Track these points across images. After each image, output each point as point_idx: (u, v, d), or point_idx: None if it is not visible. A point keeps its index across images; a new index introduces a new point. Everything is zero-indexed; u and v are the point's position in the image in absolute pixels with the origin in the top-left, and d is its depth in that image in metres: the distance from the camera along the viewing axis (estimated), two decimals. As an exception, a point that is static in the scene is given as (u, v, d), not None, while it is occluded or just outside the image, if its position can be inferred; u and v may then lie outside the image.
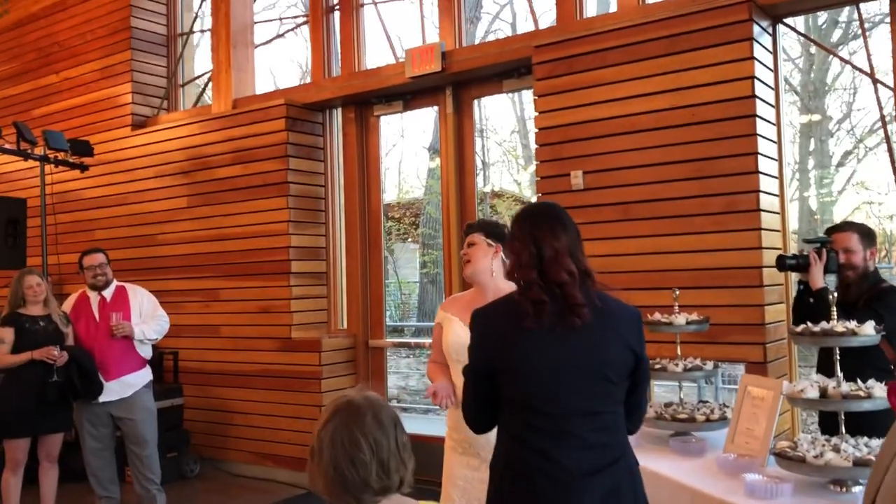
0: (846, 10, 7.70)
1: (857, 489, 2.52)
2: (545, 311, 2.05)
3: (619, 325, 2.13)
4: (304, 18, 7.13)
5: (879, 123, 4.46)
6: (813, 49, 13.40)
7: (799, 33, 5.23)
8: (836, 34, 13.05)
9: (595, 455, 2.06)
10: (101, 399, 4.85)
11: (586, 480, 2.03)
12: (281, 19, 9.41)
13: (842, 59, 6.51)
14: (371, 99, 6.27)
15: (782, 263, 3.44)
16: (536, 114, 5.09)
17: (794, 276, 4.63)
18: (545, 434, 2.05)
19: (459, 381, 2.99)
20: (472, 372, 2.21)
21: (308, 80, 7.06)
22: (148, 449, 5.03)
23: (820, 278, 3.30)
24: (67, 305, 5.02)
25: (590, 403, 2.07)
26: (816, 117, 14.05)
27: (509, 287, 3.10)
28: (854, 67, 5.04)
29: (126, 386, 4.95)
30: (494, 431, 2.86)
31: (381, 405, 1.72)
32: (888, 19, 4.40)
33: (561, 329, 2.05)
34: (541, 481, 2.04)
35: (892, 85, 4.39)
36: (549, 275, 2.09)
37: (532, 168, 14.80)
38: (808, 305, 3.31)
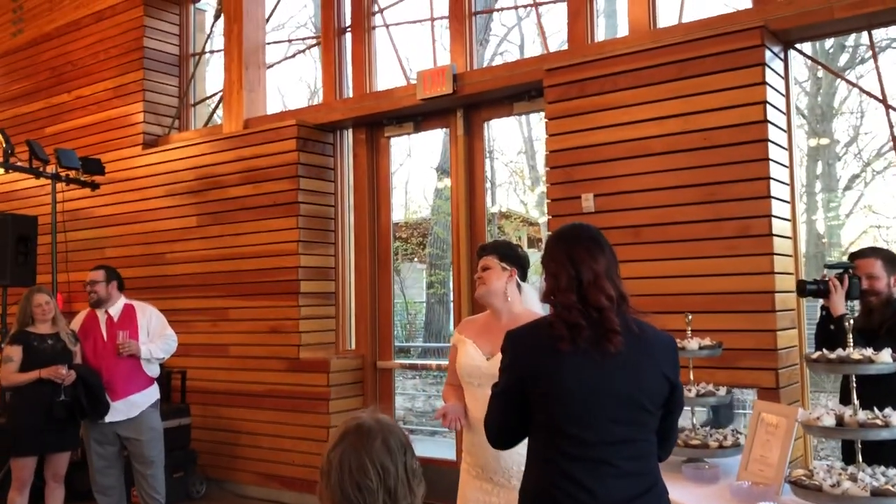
0: (853, 34, 7.73)
1: (874, 519, 2.49)
2: (582, 336, 2.03)
3: (654, 352, 2.10)
4: (315, 40, 7.17)
5: (886, 147, 4.46)
6: (820, 73, 13.43)
7: (808, 57, 5.24)
8: (843, 58, 13.09)
9: (629, 484, 2.03)
10: (108, 419, 4.84)
11: None
12: (290, 41, 9.46)
13: (851, 83, 6.52)
14: (382, 120, 6.30)
15: (803, 289, 3.41)
16: (547, 136, 5.10)
17: (805, 301, 4.61)
18: (579, 461, 2.03)
19: (474, 403, 2.97)
20: (503, 392, 2.18)
21: (317, 100, 7.09)
22: (153, 469, 5.01)
23: (841, 305, 3.27)
24: (76, 324, 5.02)
25: (626, 431, 2.04)
26: (824, 141, 14.06)
27: (525, 311, 3.11)
28: (863, 91, 5.04)
29: (133, 406, 4.94)
30: (510, 457, 2.85)
31: (391, 429, 1.69)
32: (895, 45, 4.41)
33: (597, 355, 2.03)
34: None
35: (903, 110, 4.39)
36: (588, 299, 2.06)
37: (539, 189, 14.82)
38: (830, 332, 3.29)
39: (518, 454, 2.92)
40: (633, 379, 2.04)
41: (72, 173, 6.52)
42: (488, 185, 6.11)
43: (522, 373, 2.11)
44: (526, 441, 2.70)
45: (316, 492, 1.72)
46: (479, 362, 2.96)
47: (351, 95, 6.50)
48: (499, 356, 2.68)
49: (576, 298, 2.07)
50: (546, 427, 2.09)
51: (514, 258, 3.07)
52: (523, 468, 2.88)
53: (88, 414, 4.77)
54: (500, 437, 2.26)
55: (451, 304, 7.12)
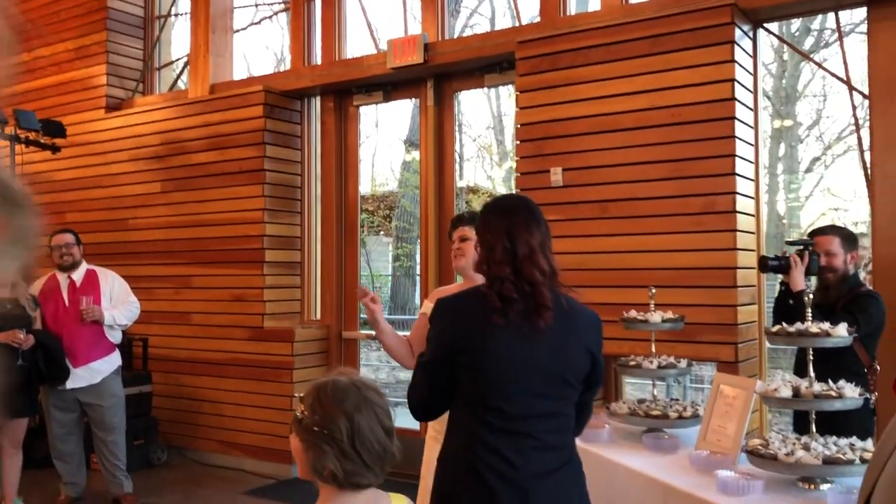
0: (818, 18, 7.82)
1: (826, 486, 2.57)
2: (514, 310, 2.04)
3: (580, 328, 2.13)
4: (283, 5, 7.06)
5: (847, 131, 4.56)
6: (786, 55, 13.58)
7: (778, 38, 5.30)
8: (809, 41, 13.25)
9: (549, 457, 2.07)
10: (69, 385, 4.79)
11: (539, 482, 2.04)
12: (257, 5, 9.30)
13: (817, 63, 6.61)
14: (351, 88, 6.24)
15: (765, 264, 3.49)
16: (518, 109, 5.10)
17: (765, 278, 4.71)
18: (503, 433, 2.05)
19: None
20: (432, 361, 2.16)
21: (283, 68, 7.00)
22: (115, 435, 4.98)
23: (801, 280, 3.35)
24: (35, 288, 4.93)
25: (549, 405, 2.08)
26: (787, 123, 14.27)
27: None
28: (828, 72, 5.11)
29: (94, 372, 4.89)
30: None
31: (367, 390, 1.69)
32: (859, 28, 4.48)
33: (527, 329, 2.05)
34: (494, 480, 2.02)
35: (865, 92, 4.47)
36: (522, 272, 2.07)
37: (507, 165, 14.84)
38: (789, 307, 3.36)
39: None
40: (559, 354, 2.07)
41: (31, 135, 6.36)
42: (457, 157, 6.09)
43: (453, 342, 2.10)
44: None
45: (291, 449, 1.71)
46: None
47: (319, 62, 6.41)
48: None
49: (510, 271, 2.08)
50: (471, 398, 2.09)
51: None
52: None
53: (47, 379, 4.70)
54: (426, 408, 2.26)
55: (418, 278, 7.12)
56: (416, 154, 6.20)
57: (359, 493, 1.67)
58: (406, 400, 2.27)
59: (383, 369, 10.56)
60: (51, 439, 4.92)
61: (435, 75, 5.82)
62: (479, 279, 3.05)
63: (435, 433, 3.06)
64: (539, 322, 2.04)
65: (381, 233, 16.03)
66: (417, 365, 2.23)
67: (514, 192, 5.27)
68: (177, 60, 7.59)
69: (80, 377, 4.82)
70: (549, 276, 2.09)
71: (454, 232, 3.14)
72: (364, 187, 15.02)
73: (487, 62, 5.51)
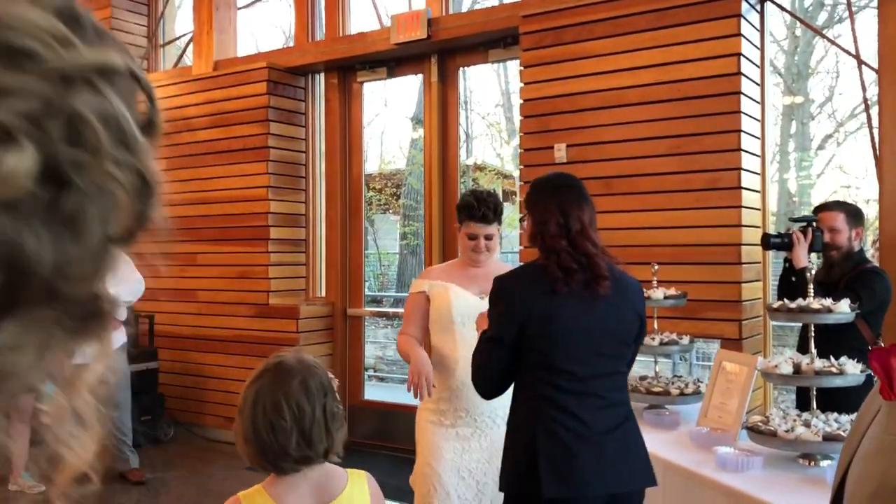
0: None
1: (826, 463, 2.56)
2: (574, 279, 2.21)
3: (629, 294, 2.33)
4: (289, -19, 7.00)
5: (859, 108, 4.48)
6: (798, 31, 13.41)
7: (787, 12, 5.22)
8: (822, 17, 13.08)
9: (614, 413, 2.26)
10: (75, 361, 4.81)
11: (609, 437, 2.22)
12: (265, -18, 9.22)
13: (830, 40, 6.50)
14: (355, 65, 6.19)
15: (767, 242, 3.45)
16: (522, 85, 5.05)
17: (772, 255, 4.67)
18: (572, 395, 2.21)
19: (464, 345, 2.96)
20: (497, 339, 2.26)
21: (290, 44, 6.95)
22: (119, 412, 5.02)
23: (804, 257, 3.31)
24: (40, 265, 4.95)
25: (611, 365, 2.27)
26: (799, 99, 14.12)
27: (499, 264, 3.16)
28: (841, 49, 5.03)
29: (100, 348, 4.91)
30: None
31: (312, 370, 1.65)
32: (872, 3, 4.40)
33: (588, 295, 2.22)
34: (570, 438, 2.18)
35: (876, 68, 4.40)
36: (577, 245, 2.24)
37: (515, 142, 14.75)
38: (792, 284, 3.33)
39: (508, 394, 2.97)
40: (617, 317, 2.27)
41: (35, 112, 6.36)
42: (464, 136, 6.06)
43: (520, 317, 2.23)
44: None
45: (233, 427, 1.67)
46: (474, 302, 2.97)
47: (323, 38, 6.37)
48: None
49: (566, 244, 2.23)
50: (540, 365, 2.24)
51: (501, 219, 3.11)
52: (509, 410, 2.95)
53: (53, 355, 4.73)
54: (494, 384, 2.35)
55: (423, 256, 7.12)
56: (422, 131, 6.17)
57: (301, 475, 1.62)
58: (471, 380, 2.38)
59: (389, 346, 10.59)
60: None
61: (439, 51, 5.77)
62: (492, 263, 3.06)
63: (438, 415, 3.02)
64: (598, 290, 2.21)
65: (389, 211, 16.02)
66: (481, 343, 2.33)
67: (520, 168, 5.24)
68: (181, 37, 7.55)
69: (85, 353, 4.84)
70: (600, 249, 2.27)
71: (471, 227, 3.01)
72: (372, 165, 14.98)
73: (491, 37, 5.45)
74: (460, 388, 2.96)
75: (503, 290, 2.30)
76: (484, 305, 2.96)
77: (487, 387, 2.36)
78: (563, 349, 2.22)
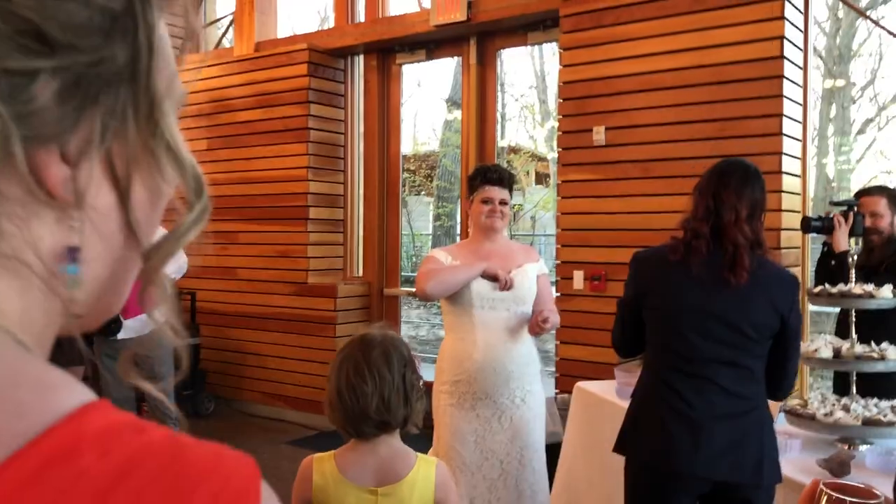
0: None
1: (864, 447, 2.57)
2: (697, 262, 2.21)
3: (771, 289, 2.25)
4: (328, -38, 7.04)
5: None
6: (840, 13, 13.16)
7: (831, -5, 5.15)
8: (866, -1, 12.81)
9: (730, 402, 2.21)
10: (121, 336, 4.96)
11: (716, 423, 2.19)
12: (302, -37, 9.27)
13: (875, 22, 6.41)
14: (394, 47, 6.23)
15: (807, 225, 3.41)
16: (561, 67, 5.06)
17: (809, 240, 4.64)
18: (683, 374, 2.23)
19: (482, 328, 3.00)
20: (626, 303, 2.41)
21: (326, 27, 7.00)
22: (164, 385, 5.15)
23: (844, 241, 3.30)
24: (88, 242, 5.09)
25: (729, 353, 2.22)
26: (840, 83, 13.87)
27: (510, 243, 3.26)
28: (886, 31, 4.96)
29: (144, 323, 5.05)
30: (520, 378, 2.99)
31: (395, 343, 1.77)
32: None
33: (712, 281, 2.21)
34: (669, 415, 2.21)
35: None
36: (726, 235, 2.21)
37: (549, 125, 14.70)
38: (830, 268, 3.32)
39: (528, 375, 3.02)
40: (741, 307, 2.20)
41: (82, 92, 6.50)
42: (498, 118, 6.07)
43: (638, 289, 2.34)
44: (531, 360, 2.98)
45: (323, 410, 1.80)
46: (492, 285, 3.01)
47: (363, 20, 6.41)
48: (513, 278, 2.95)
49: (708, 230, 2.23)
50: (657, 340, 2.31)
51: (512, 190, 3.17)
52: (528, 390, 3.01)
53: (102, 330, 4.88)
54: (629, 343, 2.47)
55: (458, 238, 7.15)
56: (457, 113, 6.20)
57: (374, 445, 1.73)
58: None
59: (423, 326, 10.67)
60: (103, 387, 5.12)
61: (478, 33, 5.79)
62: (502, 239, 3.12)
63: (458, 397, 3.04)
64: (731, 278, 2.18)
65: (423, 192, 16.07)
66: (617, 305, 2.49)
67: (557, 150, 5.26)
68: (222, 18, 7.65)
69: (131, 328, 4.98)
70: (752, 242, 2.22)
71: (486, 191, 3.07)
72: (405, 147, 15.04)
73: (531, 20, 5.46)
74: (479, 370, 2.98)
75: (634, 258, 2.42)
76: (500, 293, 3.00)
77: (620, 345, 2.50)
78: (673, 327, 2.25)
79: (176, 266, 5.18)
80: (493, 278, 2.96)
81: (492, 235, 3.11)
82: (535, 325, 2.97)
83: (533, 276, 3.10)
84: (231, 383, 6.64)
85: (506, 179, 3.11)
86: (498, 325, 3.01)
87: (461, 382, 3.01)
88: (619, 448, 2.40)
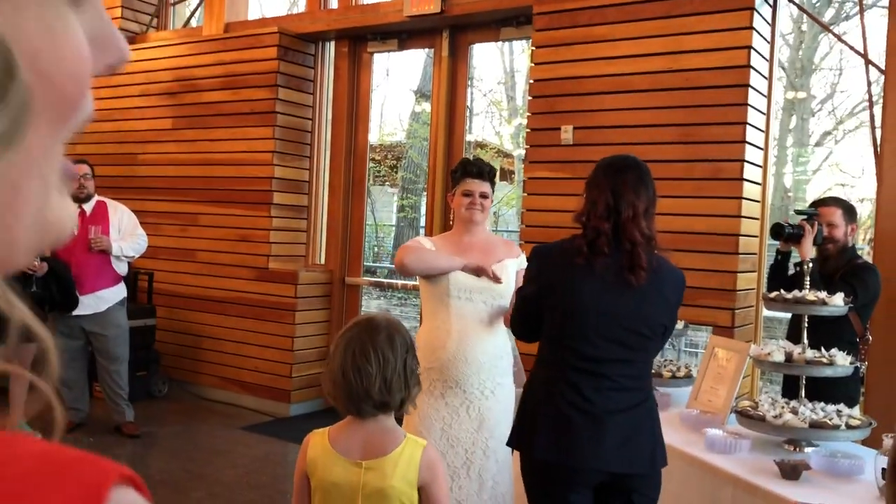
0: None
1: (810, 450, 2.65)
2: (601, 262, 2.21)
3: (665, 287, 2.30)
4: (303, -54, 6.98)
5: (860, 107, 4.55)
6: (804, 26, 13.42)
7: (799, 7, 5.26)
8: (829, 13, 13.09)
9: (623, 397, 2.26)
10: (75, 312, 4.87)
11: (613, 417, 2.23)
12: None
13: (837, 37, 6.56)
14: (366, 35, 6.20)
15: (780, 232, 3.45)
16: (532, 65, 5.09)
17: (767, 247, 4.75)
18: (582, 372, 2.25)
19: (458, 318, 3.02)
20: (527, 298, 2.41)
21: (296, 10, 6.93)
22: (118, 365, 5.09)
23: (810, 249, 3.38)
24: (46, 216, 4.99)
25: (626, 353, 2.26)
26: (801, 95, 14.16)
27: (490, 235, 3.28)
28: (848, 47, 5.09)
29: (100, 300, 4.97)
30: (490, 369, 3.03)
31: (398, 329, 1.84)
32: (881, 2, 4.45)
33: (615, 282, 2.21)
34: (572, 412, 2.23)
35: (882, 67, 4.46)
36: (624, 232, 2.22)
37: (516, 122, 14.76)
38: (783, 276, 3.41)
39: (499, 368, 3.05)
40: (642, 309, 2.24)
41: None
42: (467, 112, 6.09)
43: (541, 285, 2.32)
44: (503, 353, 3.06)
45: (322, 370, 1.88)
46: (471, 277, 3.04)
47: (336, 7, 6.37)
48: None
49: (609, 227, 2.22)
50: (557, 337, 2.31)
51: (494, 184, 3.19)
52: (498, 383, 3.04)
53: (58, 306, 4.79)
54: (524, 331, 2.51)
55: (423, 230, 7.15)
56: (426, 105, 6.19)
57: (368, 422, 1.81)
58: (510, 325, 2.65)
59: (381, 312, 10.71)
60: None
61: (451, 26, 5.79)
62: (483, 233, 3.14)
63: (429, 384, 3.03)
64: (632, 279, 2.20)
65: (387, 183, 16.02)
66: (518, 296, 2.53)
67: (523, 149, 5.29)
68: (192, -4, 7.53)
69: (86, 305, 4.91)
70: (647, 240, 2.24)
71: (468, 183, 3.11)
72: (372, 136, 14.96)
73: (504, 15, 5.48)
74: (451, 360, 3.01)
75: (535, 254, 2.42)
76: (480, 282, 3.04)
77: (520, 333, 2.54)
78: (576, 327, 2.24)
79: (135, 244, 5.11)
80: (476, 273, 2.98)
81: (472, 228, 3.14)
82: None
83: (512, 270, 3.14)
84: (187, 366, 6.57)
85: (486, 173, 3.14)
86: (473, 316, 3.04)
87: (433, 370, 3.03)
88: (515, 443, 2.43)
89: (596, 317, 2.22)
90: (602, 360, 2.24)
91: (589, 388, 2.23)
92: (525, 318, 2.45)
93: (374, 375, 1.73)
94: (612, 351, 2.24)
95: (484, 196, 3.12)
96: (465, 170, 3.14)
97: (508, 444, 2.47)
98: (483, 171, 3.13)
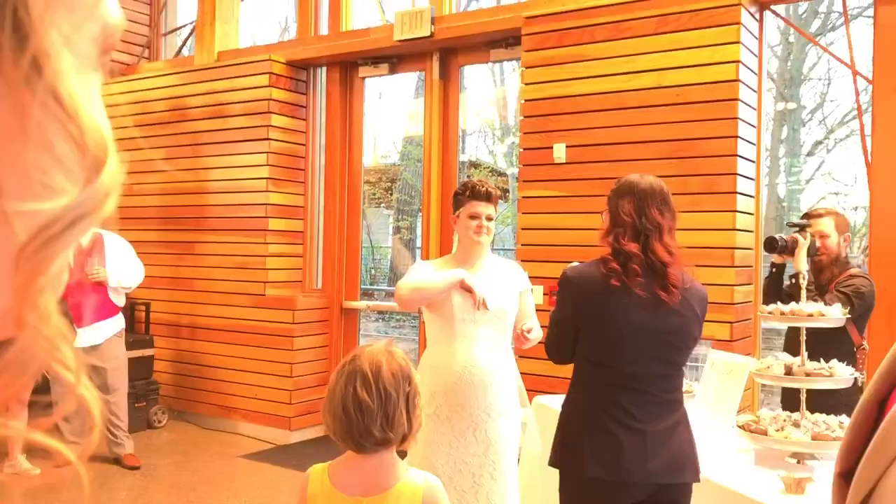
0: (826, 0, 7.79)
1: (812, 463, 2.64)
2: (635, 282, 2.27)
3: (695, 303, 2.38)
4: (292, -26, 7.04)
5: (850, 115, 4.58)
6: (791, 38, 13.53)
7: (785, 20, 5.31)
8: (815, 24, 13.20)
9: (664, 410, 2.34)
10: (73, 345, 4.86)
11: (656, 430, 2.30)
12: (265, -27, 9.24)
13: (824, 48, 6.62)
14: (357, 60, 6.24)
15: (773, 245, 3.46)
16: (523, 85, 5.12)
17: (762, 259, 4.76)
18: (623, 389, 2.31)
19: (463, 342, 3.02)
20: (559, 322, 2.43)
21: (287, 37, 6.98)
22: (117, 397, 5.07)
23: (804, 261, 3.38)
24: (42, 250, 4.98)
25: (664, 367, 2.34)
26: (791, 106, 14.25)
27: (494, 258, 3.26)
28: (833, 57, 5.13)
29: (98, 332, 4.96)
30: (497, 394, 3.01)
31: (399, 361, 1.79)
32: (867, 12, 4.49)
33: (651, 301, 2.28)
34: (617, 428, 2.29)
35: (869, 77, 4.49)
36: (654, 253, 2.29)
37: (509, 140, 14.82)
38: (782, 287, 3.42)
39: (505, 389, 3.04)
40: (679, 325, 2.33)
41: (37, 98, 6.37)
42: (460, 132, 6.12)
43: (578, 308, 2.36)
44: (509, 375, 3.05)
45: (321, 407, 1.81)
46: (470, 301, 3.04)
47: (326, 33, 6.41)
48: (494, 293, 2.99)
49: (639, 249, 2.29)
50: (595, 358, 2.35)
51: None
52: (504, 405, 3.03)
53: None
54: (560, 355, 2.51)
55: (418, 251, 7.15)
56: (419, 128, 6.22)
57: (369, 457, 1.75)
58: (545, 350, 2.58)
59: (382, 340, 10.68)
60: (54, 398, 5.00)
61: (441, 49, 5.83)
62: (485, 255, 3.14)
63: (434, 410, 3.04)
64: (666, 298, 2.28)
65: (382, 205, 16.05)
66: (550, 323, 2.52)
67: (516, 167, 5.31)
68: (183, 27, 7.58)
69: (84, 337, 4.89)
70: (675, 258, 2.32)
71: (474, 206, 3.10)
72: (366, 159, 14.98)
73: (493, 37, 5.52)
74: (458, 383, 3.00)
75: (567, 279, 2.43)
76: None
77: (556, 358, 2.53)
78: (616, 347, 2.30)
79: (132, 275, 5.11)
80: (469, 290, 2.98)
81: (477, 250, 3.15)
82: (520, 337, 3.03)
83: (515, 291, 3.14)
84: (186, 395, 6.54)
85: (492, 195, 3.16)
86: (479, 338, 3.04)
87: (438, 394, 3.02)
88: (560, 465, 2.44)
89: (635, 335, 2.29)
90: (642, 377, 2.31)
91: (632, 405, 2.30)
92: (561, 342, 2.47)
93: (375, 411, 1.69)
94: (651, 367, 2.31)
95: (489, 219, 3.13)
96: (472, 192, 3.13)
97: (551, 464, 2.48)
98: (491, 194, 3.14)
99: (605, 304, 2.31)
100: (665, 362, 2.34)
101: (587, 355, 2.38)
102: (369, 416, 1.69)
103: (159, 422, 6.33)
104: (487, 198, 3.13)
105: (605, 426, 2.30)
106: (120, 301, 5.13)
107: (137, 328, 6.47)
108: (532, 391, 4.40)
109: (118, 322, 5.11)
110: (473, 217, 3.11)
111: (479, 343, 3.04)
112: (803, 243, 3.36)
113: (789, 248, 3.43)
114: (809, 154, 15.00)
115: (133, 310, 6.42)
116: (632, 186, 2.40)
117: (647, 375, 2.32)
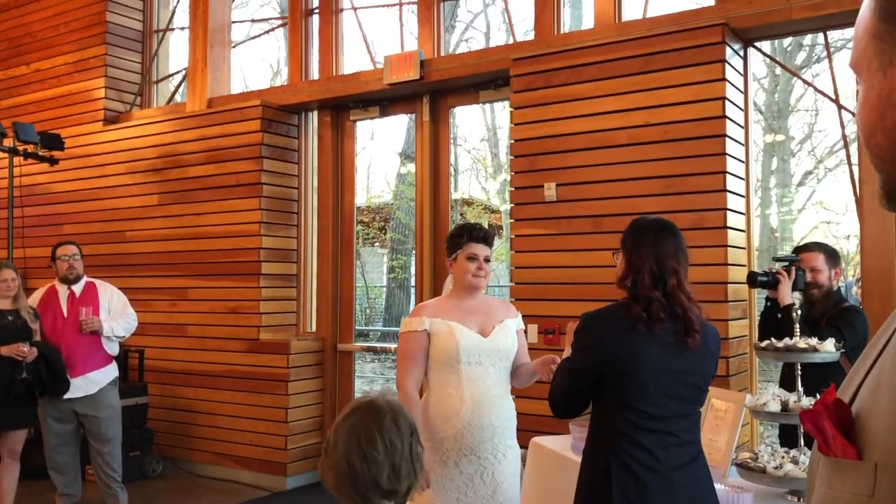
0: (810, 34, 7.91)
1: (814, 500, 2.62)
2: (661, 326, 2.30)
3: (710, 343, 2.42)
4: (281, 20, 7.13)
5: (838, 145, 4.63)
6: (778, 70, 13.72)
7: (767, 56, 5.39)
8: (801, 56, 13.39)
9: (686, 451, 2.35)
10: (67, 395, 4.81)
11: (680, 471, 2.31)
12: (253, 20, 9.38)
13: (806, 82, 6.71)
14: (348, 103, 6.31)
15: (753, 280, 3.51)
16: (512, 125, 5.17)
17: (756, 293, 4.77)
18: (646, 431, 2.31)
19: (468, 383, 3.00)
20: (580, 371, 2.39)
21: (279, 81, 7.05)
22: (111, 447, 5.00)
23: (788, 295, 3.40)
24: (35, 300, 4.96)
25: (686, 408, 2.37)
26: (780, 137, 14.38)
27: (489, 298, 3.26)
28: (817, 90, 5.20)
29: (91, 383, 4.91)
30: (503, 434, 3.02)
31: (401, 411, 1.76)
32: (850, 45, 4.55)
33: (674, 344, 2.32)
34: (642, 471, 2.28)
35: (853, 109, 4.54)
36: (674, 298, 2.33)
37: (501, 177, 14.92)
38: (775, 321, 3.42)
39: (509, 430, 3.04)
40: (700, 366, 2.37)
41: (30, 148, 6.41)
42: (452, 170, 6.16)
43: (603, 355, 2.34)
44: (512, 415, 3.06)
45: (318, 466, 1.76)
46: (479, 341, 3.03)
47: (317, 77, 6.48)
48: (496, 333, 3.02)
49: (659, 294, 2.33)
50: (617, 402, 2.34)
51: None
52: (508, 445, 3.02)
53: (49, 391, 4.73)
54: (574, 408, 2.48)
55: (413, 290, 7.16)
56: (411, 166, 6.27)
57: None
58: (549, 401, 2.51)
59: (377, 381, 10.59)
60: (47, 450, 4.93)
61: (431, 91, 5.90)
62: (481, 295, 3.13)
63: (442, 455, 3.02)
64: (688, 341, 2.32)
65: (376, 244, 16.08)
66: (562, 369, 2.48)
67: (509, 206, 5.33)
68: (174, 74, 7.65)
69: (78, 387, 4.84)
70: (693, 301, 2.37)
71: (472, 248, 3.10)
72: (359, 198, 15.06)
73: (482, 78, 5.59)
74: (466, 427, 2.97)
75: (590, 325, 2.39)
76: (487, 343, 3.04)
77: (565, 411, 2.48)
78: (641, 390, 2.30)
79: (126, 323, 5.08)
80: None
81: (475, 292, 3.15)
82: (546, 369, 2.99)
83: (514, 330, 3.15)
84: (180, 443, 6.47)
85: (490, 237, 3.18)
86: (484, 380, 3.02)
87: (446, 439, 2.98)
88: None
89: (659, 378, 2.31)
90: (666, 418, 2.32)
91: (656, 446, 2.30)
92: (574, 393, 2.42)
93: (381, 463, 1.65)
94: (674, 408, 2.33)
95: (487, 260, 3.14)
96: (471, 235, 3.13)
97: None
98: (489, 236, 3.17)
99: (633, 349, 2.31)
100: (686, 402, 2.36)
101: (611, 399, 2.37)
102: (376, 468, 1.65)
103: (154, 470, 6.26)
104: (486, 240, 3.14)
105: (631, 471, 2.30)
106: (114, 350, 5.09)
107: (131, 375, 6.42)
108: (527, 431, 4.36)
109: (112, 371, 5.06)
110: (471, 258, 3.10)
111: (486, 385, 3.02)
112: (786, 277, 3.39)
113: (771, 283, 3.46)
114: (800, 184, 15.11)
115: (126, 357, 6.38)
116: (645, 231, 2.42)
117: (670, 416, 2.33)
